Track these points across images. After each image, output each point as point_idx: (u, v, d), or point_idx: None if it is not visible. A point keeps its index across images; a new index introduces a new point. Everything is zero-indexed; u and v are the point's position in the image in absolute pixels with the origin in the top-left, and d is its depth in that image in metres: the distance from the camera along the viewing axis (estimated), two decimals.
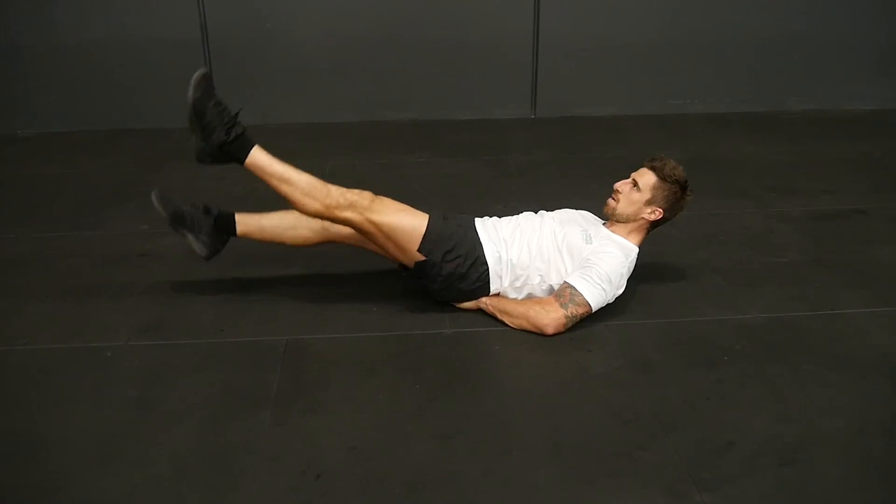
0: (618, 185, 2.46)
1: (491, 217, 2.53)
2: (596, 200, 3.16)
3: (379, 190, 2.33)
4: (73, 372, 2.14)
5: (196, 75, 2.24)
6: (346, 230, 2.45)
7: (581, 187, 3.58)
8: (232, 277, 2.67)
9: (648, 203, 2.40)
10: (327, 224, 2.45)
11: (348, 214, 2.28)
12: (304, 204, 2.29)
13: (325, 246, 2.57)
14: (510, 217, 2.52)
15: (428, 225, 2.31)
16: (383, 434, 1.87)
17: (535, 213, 2.55)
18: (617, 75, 4.88)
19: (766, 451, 1.79)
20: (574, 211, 2.57)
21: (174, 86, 4.65)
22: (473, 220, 2.48)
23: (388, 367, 2.16)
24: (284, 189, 2.29)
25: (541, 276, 2.37)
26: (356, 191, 2.31)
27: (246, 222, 2.52)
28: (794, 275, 2.68)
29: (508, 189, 3.58)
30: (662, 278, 2.63)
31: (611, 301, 2.33)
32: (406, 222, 2.31)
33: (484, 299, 2.40)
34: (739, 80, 4.93)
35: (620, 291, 2.35)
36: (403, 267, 2.42)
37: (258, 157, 2.30)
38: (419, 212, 2.36)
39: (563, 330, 2.28)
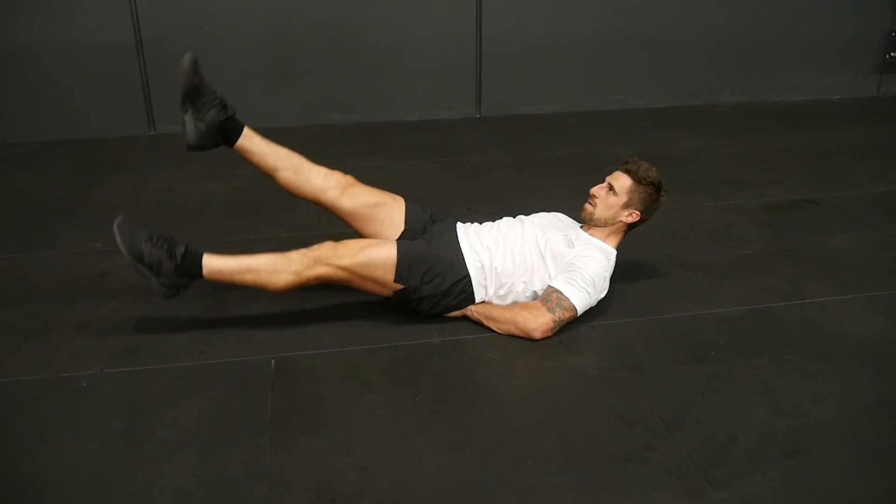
0: (594, 190, 2.48)
1: (472, 224, 2.51)
2: (557, 200, 3.21)
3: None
4: (47, 405, 2.01)
5: (115, 225, 2.21)
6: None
7: (539, 187, 3.62)
8: (203, 294, 2.55)
9: (625, 206, 2.43)
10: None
11: (319, 271, 2.24)
12: (273, 283, 2.25)
13: None
14: (490, 223, 2.51)
15: (398, 253, 2.28)
16: (391, 451, 1.83)
17: (514, 217, 2.55)
18: (558, 73, 4.93)
19: (767, 443, 1.85)
20: (552, 215, 2.58)
21: (108, 93, 4.51)
22: (455, 226, 2.46)
23: (382, 380, 2.12)
24: (250, 279, 2.25)
25: (524, 282, 2.37)
26: (315, 245, 2.28)
27: (252, 139, 2.41)
28: (759, 266, 2.77)
29: (469, 191, 3.57)
30: (636, 276, 2.67)
31: (593, 304, 2.36)
32: (375, 257, 2.27)
33: (470, 307, 2.38)
34: (676, 75, 5.07)
35: (603, 295, 2.38)
36: (386, 298, 2.38)
37: (211, 263, 2.24)
38: (385, 242, 2.33)
39: (551, 334, 2.28)
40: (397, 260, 2.27)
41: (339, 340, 2.30)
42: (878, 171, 3.80)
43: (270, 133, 4.44)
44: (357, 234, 2.49)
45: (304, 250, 2.26)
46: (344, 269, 2.25)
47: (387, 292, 2.32)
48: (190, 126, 2.32)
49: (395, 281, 2.27)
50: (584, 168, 3.87)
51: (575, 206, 2.65)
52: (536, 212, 2.63)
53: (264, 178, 3.45)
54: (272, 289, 2.26)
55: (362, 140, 4.42)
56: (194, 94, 2.29)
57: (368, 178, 3.77)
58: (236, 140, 2.39)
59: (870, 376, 2.12)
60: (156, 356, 2.22)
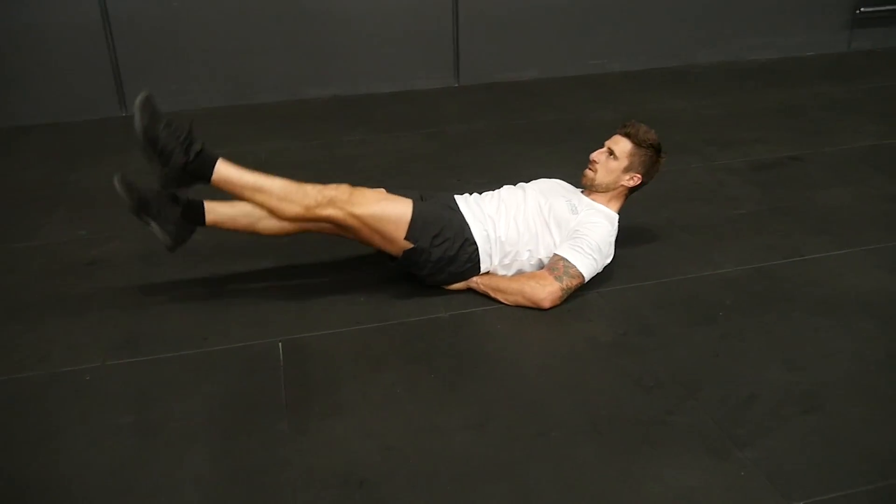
0: (594, 156, 2.46)
1: (471, 194, 2.48)
2: (548, 167, 3.19)
3: (324, 172, 2.24)
4: (51, 401, 1.95)
5: (138, 100, 2.10)
6: (339, 215, 2.29)
7: (528, 154, 3.59)
8: (198, 277, 2.51)
9: (626, 170, 2.42)
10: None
11: (330, 212, 2.18)
12: (282, 210, 2.19)
13: (299, 235, 2.45)
14: (490, 192, 2.48)
15: (413, 211, 2.24)
16: (413, 430, 1.81)
17: (514, 185, 2.52)
18: (536, 39, 4.87)
19: (786, 400, 1.86)
20: (552, 181, 2.56)
21: (77, 75, 4.36)
22: (454, 199, 2.42)
23: (395, 358, 2.09)
24: (259, 198, 2.19)
25: (529, 251, 2.35)
26: (333, 185, 2.21)
27: (216, 211, 2.36)
28: (755, 225, 2.79)
29: (458, 161, 3.53)
30: (636, 240, 2.67)
31: (600, 270, 2.35)
32: (390, 211, 2.23)
33: (475, 279, 2.36)
34: (652, 37, 5.04)
35: (609, 260, 2.37)
36: (389, 256, 2.34)
37: (225, 171, 2.17)
38: (400, 197, 2.28)
39: (560, 303, 2.27)
40: (412, 217, 2.23)
41: (346, 319, 2.26)
42: (857, 125, 3.83)
43: (246, 110, 4.39)
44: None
45: (320, 186, 2.20)
46: (356, 217, 2.20)
47: (391, 248, 2.28)
48: (159, 234, 2.29)
49: (406, 238, 2.23)
50: (570, 134, 3.85)
51: (567, 173, 2.65)
52: (529, 180, 2.60)
53: (246, 157, 3.38)
54: (279, 215, 2.21)
55: (341, 114, 4.33)
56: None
57: (353, 152, 3.75)
58: (203, 222, 2.34)
59: (877, 329, 2.14)
60: (158, 345, 2.16)
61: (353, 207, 2.19)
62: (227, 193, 2.24)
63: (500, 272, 2.37)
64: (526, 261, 2.36)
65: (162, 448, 1.78)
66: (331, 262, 2.59)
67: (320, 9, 4.47)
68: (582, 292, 2.33)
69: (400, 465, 1.70)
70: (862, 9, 5.19)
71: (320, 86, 4.64)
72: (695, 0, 4.99)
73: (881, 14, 5.27)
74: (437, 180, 3.25)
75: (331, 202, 2.18)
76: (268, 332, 2.20)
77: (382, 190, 2.32)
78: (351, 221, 2.20)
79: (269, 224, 2.38)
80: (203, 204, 2.35)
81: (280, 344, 2.15)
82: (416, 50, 4.71)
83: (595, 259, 2.29)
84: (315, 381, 1.99)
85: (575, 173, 2.66)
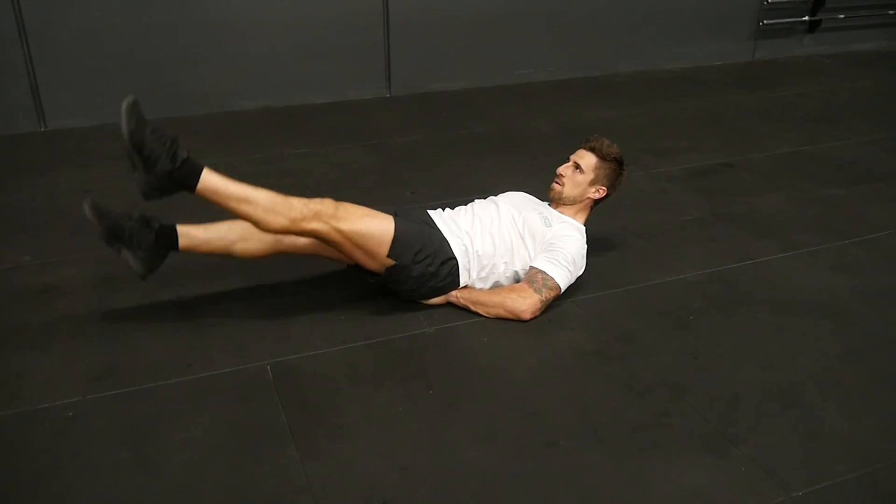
0: (560, 170, 2.54)
1: (444, 209, 2.51)
2: (496, 178, 3.29)
3: (276, 188, 2.21)
4: (36, 441, 1.84)
5: (125, 105, 2.01)
6: (301, 240, 2.33)
7: (475, 165, 3.65)
8: (165, 301, 2.42)
9: (592, 183, 2.52)
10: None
11: (315, 226, 2.17)
12: (267, 222, 2.14)
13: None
14: (462, 207, 2.53)
15: (395, 228, 2.25)
16: (424, 447, 1.83)
17: (485, 199, 2.57)
18: (464, 49, 4.96)
19: (767, 398, 2.00)
20: (519, 194, 2.62)
21: None
22: (428, 214, 2.45)
23: (389, 377, 2.09)
24: (245, 209, 2.13)
25: (505, 263, 2.41)
26: (318, 199, 2.20)
27: (190, 235, 2.29)
28: (704, 231, 2.95)
29: (406, 174, 3.55)
30: (599, 249, 2.76)
31: (573, 281, 2.43)
32: (374, 228, 2.23)
33: (454, 293, 2.39)
34: (575, 48, 5.23)
35: (581, 272, 2.45)
36: (370, 273, 2.34)
37: (211, 180, 2.11)
38: (382, 214, 2.29)
39: (539, 314, 2.34)
40: (394, 235, 2.24)
41: (331, 339, 2.25)
42: (776, 132, 4.11)
43: (175, 123, 4.24)
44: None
45: (305, 200, 2.17)
46: (340, 232, 2.19)
47: (373, 265, 2.28)
48: (132, 262, 2.23)
49: (389, 256, 2.24)
50: (511, 144, 3.95)
51: (517, 183, 2.76)
52: (482, 191, 2.66)
53: None
54: (264, 227, 2.15)
55: (277, 126, 4.27)
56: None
57: (298, 166, 3.71)
58: (176, 246, 2.29)
59: (833, 326, 2.32)
60: (139, 375, 2.08)
61: (338, 222, 2.18)
62: (210, 204, 2.15)
63: (478, 285, 2.42)
64: (502, 273, 2.42)
65: (168, 482, 1.72)
66: (301, 280, 2.57)
67: (249, 19, 4.39)
68: (558, 302, 2.40)
69: (419, 484, 1.71)
70: (765, 21, 5.56)
71: (251, 97, 4.55)
72: (614, 11, 5.22)
73: (782, 26, 5.67)
74: (390, 194, 3.26)
75: (316, 216, 2.16)
76: (252, 356, 2.16)
77: (364, 207, 2.32)
78: (335, 236, 2.20)
79: (244, 246, 2.34)
80: (176, 228, 2.28)
81: (269, 367, 2.12)
82: (347, 60, 4.70)
83: (570, 271, 2.38)
84: (314, 404, 1.97)
85: (524, 183, 2.77)
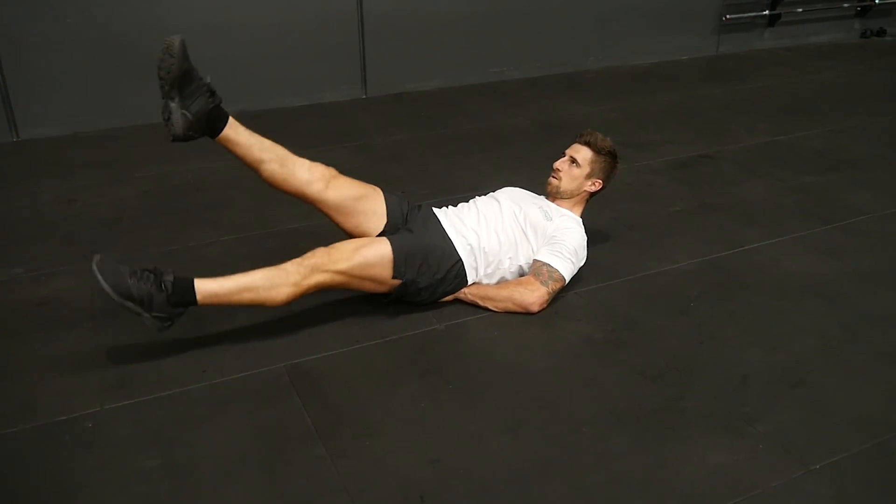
0: (557, 164, 2.60)
1: (448, 207, 2.54)
2: (485, 176, 3.33)
3: (263, 192, 2.22)
4: (59, 454, 1.82)
5: (94, 266, 2.01)
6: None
7: (461, 163, 3.68)
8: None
9: (588, 176, 2.57)
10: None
11: (317, 279, 2.19)
12: (273, 298, 2.16)
13: (264, 253, 2.42)
14: (465, 205, 2.56)
15: (393, 249, 2.27)
16: (452, 440, 1.85)
17: (486, 196, 2.61)
18: (438, 48, 4.99)
19: (773, 379, 2.07)
20: (516, 189, 2.67)
21: None
22: (433, 212, 2.48)
23: (406, 374, 2.12)
24: (248, 297, 2.14)
25: (510, 258, 2.45)
26: (308, 254, 2.22)
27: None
28: (692, 221, 3.04)
29: (393, 174, 3.56)
30: (593, 240, 2.77)
31: (575, 273, 2.48)
32: (371, 256, 2.25)
33: (463, 290, 2.42)
34: (546, 45, 5.30)
35: (583, 263, 2.51)
36: (382, 295, 2.36)
37: (206, 288, 2.10)
38: (375, 239, 2.31)
39: (546, 306, 2.39)
40: (393, 255, 2.26)
41: (343, 339, 2.26)
42: (748, 124, 4.23)
43: (148, 131, 4.19)
44: (338, 227, 2.43)
45: (297, 260, 2.19)
46: (342, 272, 2.21)
47: (383, 289, 2.31)
48: (177, 115, 2.16)
49: (394, 277, 2.27)
50: (493, 142, 3.99)
51: (505, 179, 2.82)
52: (472, 189, 2.70)
53: (172, 178, 3.30)
54: (272, 304, 2.17)
55: (255, 129, 4.21)
56: (183, 82, 2.12)
57: None
58: (221, 130, 2.24)
59: (826, 307, 2.42)
60: (155, 384, 2.07)
61: (336, 265, 2.20)
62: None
63: (485, 281, 2.45)
64: (507, 268, 2.46)
65: (201, 488, 1.72)
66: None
67: (220, 23, 4.35)
68: (562, 294, 2.45)
69: (452, 476, 1.74)
70: (728, 16, 5.71)
71: (226, 101, 4.48)
72: (582, 9, 5.31)
73: (744, 20, 5.83)
74: None
75: (314, 269, 2.18)
76: (266, 360, 2.16)
77: (354, 240, 2.32)
78: (339, 279, 2.22)
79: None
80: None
81: (284, 370, 2.12)
82: (322, 62, 4.69)
83: (573, 262, 2.43)
84: (336, 404, 1.99)
85: (512, 180, 2.82)
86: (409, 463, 1.78)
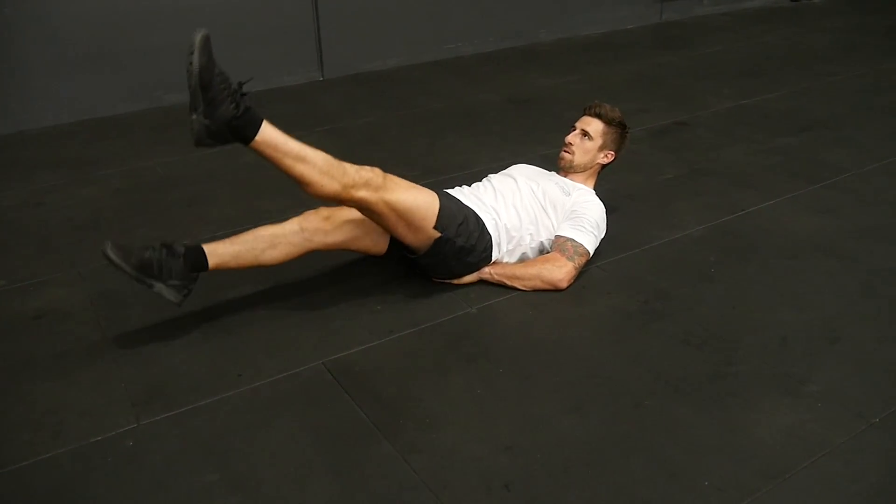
0: (568, 138, 2.57)
1: (461, 186, 2.49)
2: (469, 152, 3.29)
3: (245, 183, 2.13)
4: (104, 477, 1.69)
5: (198, 37, 1.88)
6: (331, 236, 2.24)
7: (442, 142, 3.62)
8: (182, 313, 2.27)
9: (601, 148, 2.56)
10: (308, 234, 2.24)
11: (363, 194, 2.09)
12: (321, 185, 2.03)
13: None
14: (479, 183, 2.51)
15: (440, 201, 2.22)
16: (519, 426, 1.81)
17: (498, 174, 2.57)
18: (392, 27, 4.89)
19: (812, 337, 2.12)
20: (526, 165, 2.64)
21: None
22: (447, 193, 2.42)
23: (452, 360, 2.06)
24: (300, 169, 2.01)
25: (531, 235, 2.42)
26: (367, 167, 2.12)
27: (217, 252, 2.15)
28: (688, 187, 3.07)
29: (375, 156, 3.43)
30: None
31: (597, 245, 2.47)
32: (420, 201, 2.19)
33: (486, 269, 2.38)
34: (498, 19, 5.26)
35: (603, 234, 2.50)
36: (408, 249, 2.29)
37: (270, 133, 1.98)
38: (427, 189, 2.25)
39: (574, 281, 2.37)
40: (440, 207, 2.20)
41: (376, 331, 2.18)
42: (711, 89, 4.31)
43: (107, 124, 3.94)
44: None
45: (357, 166, 2.08)
46: (387, 203, 2.12)
47: (412, 238, 2.23)
48: (166, 293, 2.09)
49: (435, 227, 2.20)
50: (466, 119, 3.94)
51: (490, 157, 2.80)
52: (462, 167, 2.66)
53: (142, 174, 3.13)
54: (314, 190, 2.03)
55: None
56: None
57: (256, 157, 3.52)
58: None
59: (838, 264, 2.49)
60: (189, 393, 1.95)
61: (386, 193, 2.11)
62: (265, 160, 2.05)
63: (506, 259, 2.41)
64: (528, 245, 2.43)
65: (271, 498, 1.63)
66: (320, 275, 2.47)
67: (173, 6, 4.12)
68: (584, 269, 2.44)
69: (530, 462, 1.70)
70: None
71: (178, 91, 4.26)
72: None
73: None
74: None
75: (366, 184, 2.08)
76: (302, 358, 2.07)
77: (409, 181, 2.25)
78: (381, 207, 2.13)
79: (274, 254, 2.23)
80: (203, 248, 2.14)
81: (324, 367, 2.04)
82: (277, 45, 4.52)
83: (595, 236, 2.42)
84: (390, 398, 1.92)
85: (497, 156, 2.78)
86: (483, 453, 1.74)
